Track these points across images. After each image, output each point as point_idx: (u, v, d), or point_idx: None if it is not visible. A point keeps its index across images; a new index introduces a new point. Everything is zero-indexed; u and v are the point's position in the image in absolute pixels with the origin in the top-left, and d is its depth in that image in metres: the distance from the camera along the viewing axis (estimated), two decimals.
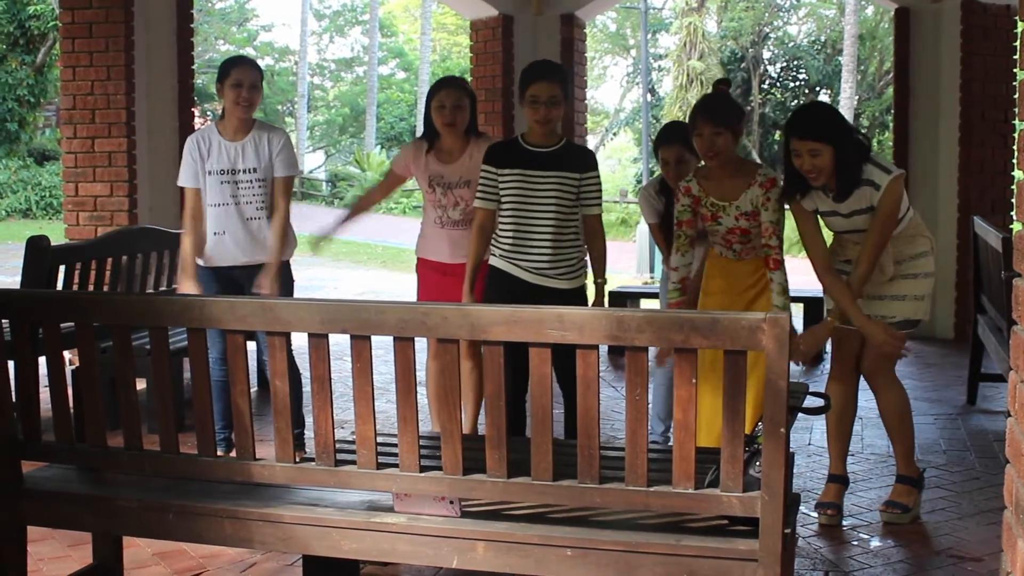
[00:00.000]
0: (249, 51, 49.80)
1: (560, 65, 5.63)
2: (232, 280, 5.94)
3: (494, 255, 5.50)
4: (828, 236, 5.30)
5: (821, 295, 5.74)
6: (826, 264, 5.13)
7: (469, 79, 11.53)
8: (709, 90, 6.23)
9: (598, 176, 5.51)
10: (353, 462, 3.56)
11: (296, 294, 6.26)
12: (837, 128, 4.98)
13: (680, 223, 5.42)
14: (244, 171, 5.83)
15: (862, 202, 4.99)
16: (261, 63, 51.10)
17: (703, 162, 5.36)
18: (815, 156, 4.90)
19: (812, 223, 5.17)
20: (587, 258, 5.60)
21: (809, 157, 4.91)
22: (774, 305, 5.21)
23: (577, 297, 5.48)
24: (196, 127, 9.31)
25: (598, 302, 5.57)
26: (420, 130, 6.26)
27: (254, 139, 5.86)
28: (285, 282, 5.99)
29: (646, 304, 9.77)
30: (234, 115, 5.82)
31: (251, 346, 5.22)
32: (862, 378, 5.39)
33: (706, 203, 5.32)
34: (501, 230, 5.47)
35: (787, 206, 5.22)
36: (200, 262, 5.92)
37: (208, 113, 37.08)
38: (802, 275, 6.10)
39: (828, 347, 6.15)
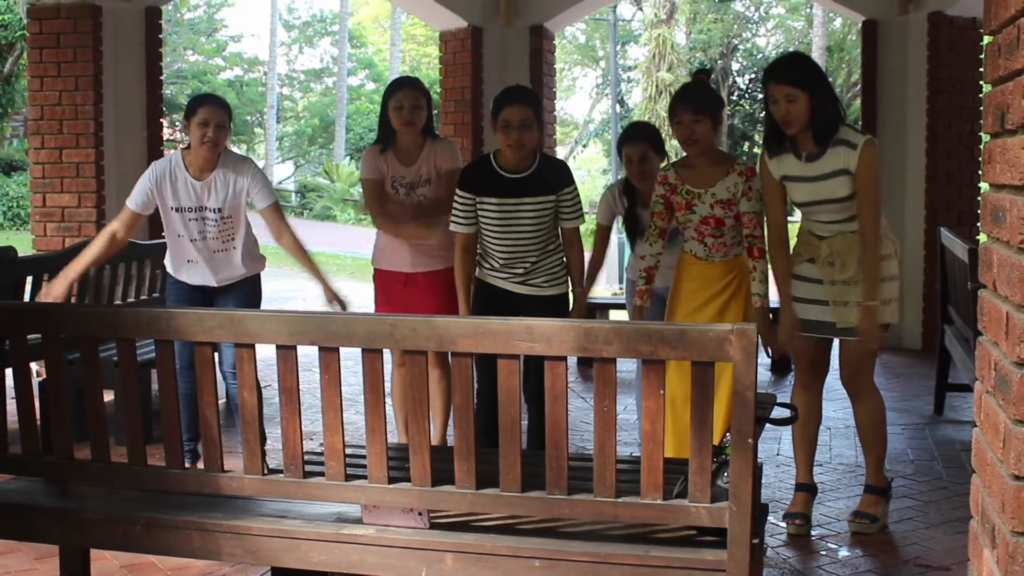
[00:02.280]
0: (218, 61, 49.61)
1: (531, 89, 5.65)
2: (205, 294, 5.93)
3: (480, 268, 5.55)
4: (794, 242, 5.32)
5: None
6: (781, 236, 5.21)
7: (438, 90, 11.54)
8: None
9: (574, 189, 5.54)
10: (321, 474, 3.56)
11: (264, 305, 6.24)
12: (814, 76, 5.00)
13: (652, 213, 5.53)
14: (211, 210, 5.78)
15: (836, 163, 4.97)
16: (230, 73, 50.63)
17: (679, 152, 5.40)
18: (791, 102, 4.91)
19: (779, 193, 5.20)
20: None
21: (785, 102, 4.93)
22: (754, 293, 5.29)
23: (561, 302, 5.57)
24: (165, 137, 9.30)
25: (578, 309, 5.62)
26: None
27: (220, 177, 5.77)
28: (254, 295, 5.98)
29: (615, 315, 9.78)
30: (199, 153, 5.74)
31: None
32: (838, 387, 5.40)
33: (681, 190, 5.38)
34: (485, 250, 5.54)
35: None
36: (178, 277, 5.91)
37: (176, 124, 36.90)
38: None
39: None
